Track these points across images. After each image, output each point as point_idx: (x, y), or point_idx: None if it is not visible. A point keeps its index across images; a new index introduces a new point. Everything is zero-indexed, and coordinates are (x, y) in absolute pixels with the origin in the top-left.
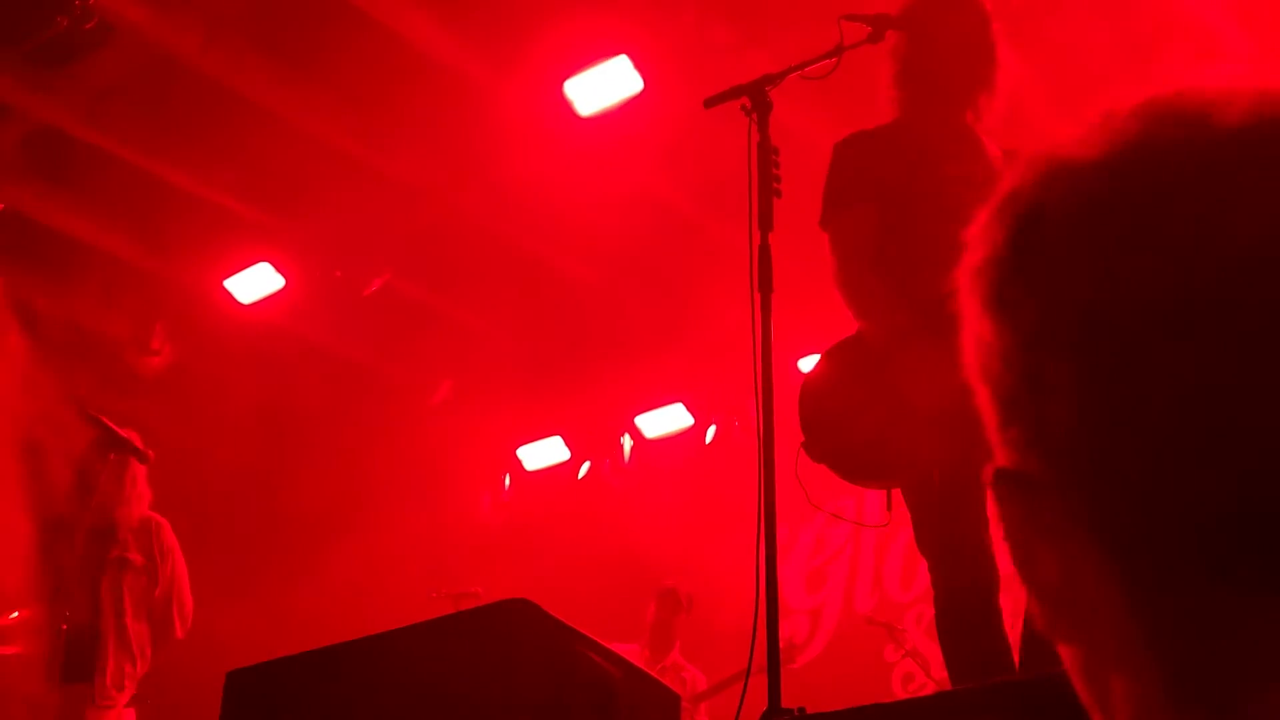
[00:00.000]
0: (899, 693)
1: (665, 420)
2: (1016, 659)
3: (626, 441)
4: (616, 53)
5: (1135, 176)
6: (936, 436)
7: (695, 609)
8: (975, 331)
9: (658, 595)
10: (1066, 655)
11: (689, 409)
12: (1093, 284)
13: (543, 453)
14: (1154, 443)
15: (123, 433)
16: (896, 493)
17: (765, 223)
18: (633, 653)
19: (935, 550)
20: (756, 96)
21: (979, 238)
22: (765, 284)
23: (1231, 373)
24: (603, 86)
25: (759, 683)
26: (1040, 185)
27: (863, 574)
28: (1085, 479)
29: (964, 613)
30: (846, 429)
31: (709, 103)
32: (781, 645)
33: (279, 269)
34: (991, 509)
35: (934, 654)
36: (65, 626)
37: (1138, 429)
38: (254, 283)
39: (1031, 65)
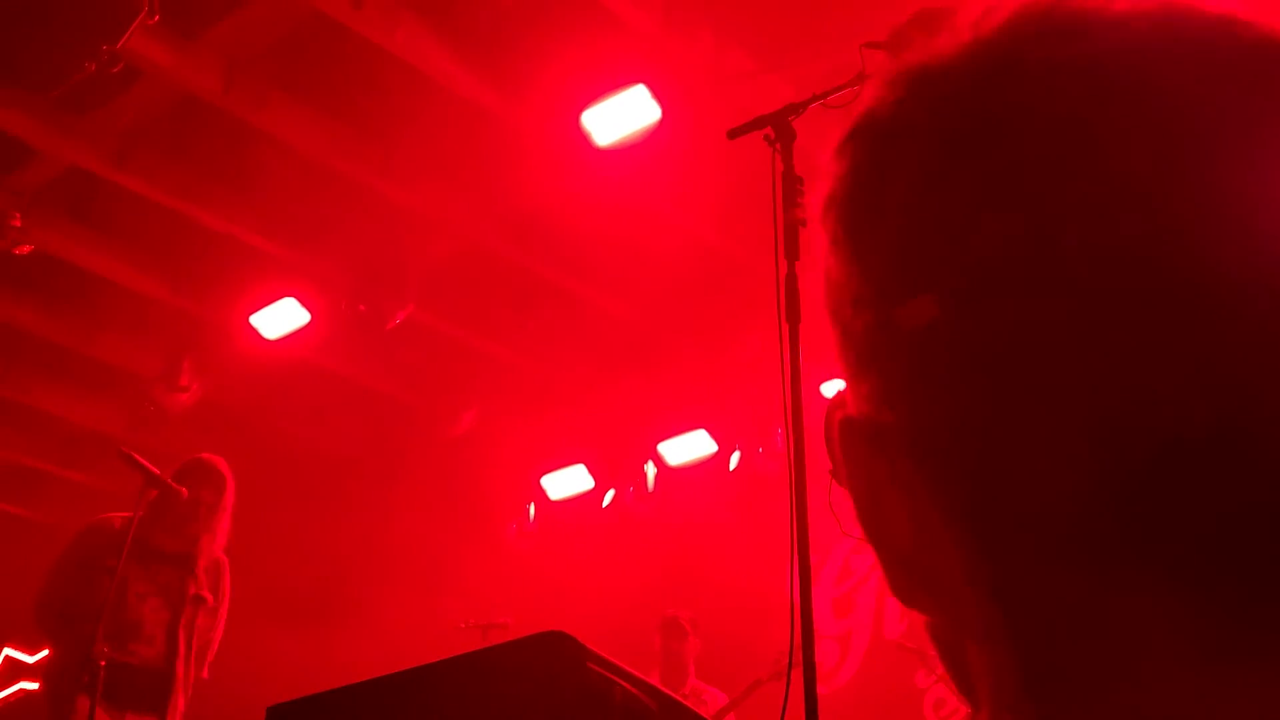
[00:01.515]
0: (931, 718)
1: (688, 447)
2: None
3: (650, 469)
4: (634, 82)
5: (1003, 102)
6: None
7: (713, 633)
8: (826, 269)
9: (661, 626)
10: (921, 619)
11: (712, 436)
12: (953, 220)
13: (566, 481)
14: (1016, 404)
15: (155, 470)
16: None
17: (791, 252)
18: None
19: None
20: (780, 126)
21: (832, 163)
22: (793, 314)
23: (1108, 327)
24: (620, 116)
25: (797, 703)
26: (899, 105)
27: (891, 599)
28: (941, 438)
29: None
30: None
31: (733, 133)
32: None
33: (304, 304)
34: (842, 465)
35: None
36: (104, 662)
37: (997, 390)
38: (280, 318)
39: None
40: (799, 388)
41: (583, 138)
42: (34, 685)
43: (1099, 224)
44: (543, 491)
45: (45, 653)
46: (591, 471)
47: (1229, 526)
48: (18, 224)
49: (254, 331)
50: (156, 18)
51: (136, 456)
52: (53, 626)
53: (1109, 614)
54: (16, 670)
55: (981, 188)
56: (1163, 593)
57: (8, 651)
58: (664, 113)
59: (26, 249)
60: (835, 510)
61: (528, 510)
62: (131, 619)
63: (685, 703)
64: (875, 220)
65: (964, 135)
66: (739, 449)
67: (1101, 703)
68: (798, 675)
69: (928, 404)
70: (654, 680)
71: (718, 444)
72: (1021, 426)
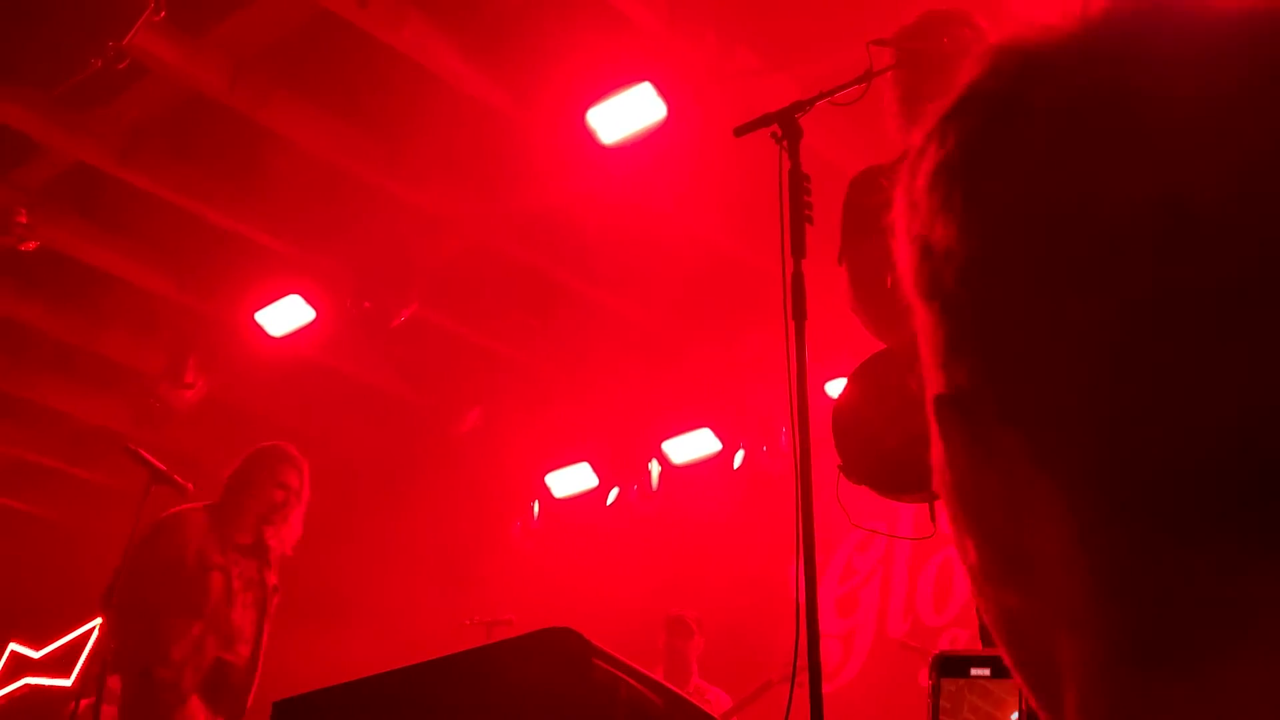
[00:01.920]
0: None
1: (692, 446)
2: None
3: (654, 467)
4: (639, 80)
5: (1124, 68)
6: None
7: (716, 631)
8: (924, 241)
9: (666, 624)
10: (1000, 610)
11: (716, 434)
12: (1076, 186)
13: (571, 479)
14: (1138, 373)
15: (161, 466)
16: (939, 504)
17: (798, 250)
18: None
19: None
20: (786, 124)
21: (935, 135)
22: (799, 312)
23: (1239, 294)
24: (626, 114)
25: (800, 704)
26: (1012, 76)
27: (895, 598)
28: (1047, 409)
29: None
30: (879, 444)
31: (739, 131)
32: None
33: (309, 301)
34: (935, 443)
35: None
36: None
37: (1118, 357)
38: (284, 315)
39: None
40: (805, 386)
41: (588, 136)
42: (39, 680)
43: (1238, 193)
44: (547, 489)
45: (51, 648)
46: (596, 469)
47: None
48: (23, 220)
49: (259, 329)
50: (162, 14)
51: (143, 453)
52: (135, 625)
53: (1226, 599)
54: (21, 666)
55: (1113, 155)
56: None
57: (13, 647)
58: (669, 111)
59: (32, 245)
60: (844, 505)
61: (532, 508)
62: (236, 618)
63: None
64: (998, 187)
65: (1090, 105)
66: (743, 447)
67: (1208, 690)
68: (802, 676)
69: (1045, 382)
70: (658, 678)
71: (722, 442)
72: (1153, 405)
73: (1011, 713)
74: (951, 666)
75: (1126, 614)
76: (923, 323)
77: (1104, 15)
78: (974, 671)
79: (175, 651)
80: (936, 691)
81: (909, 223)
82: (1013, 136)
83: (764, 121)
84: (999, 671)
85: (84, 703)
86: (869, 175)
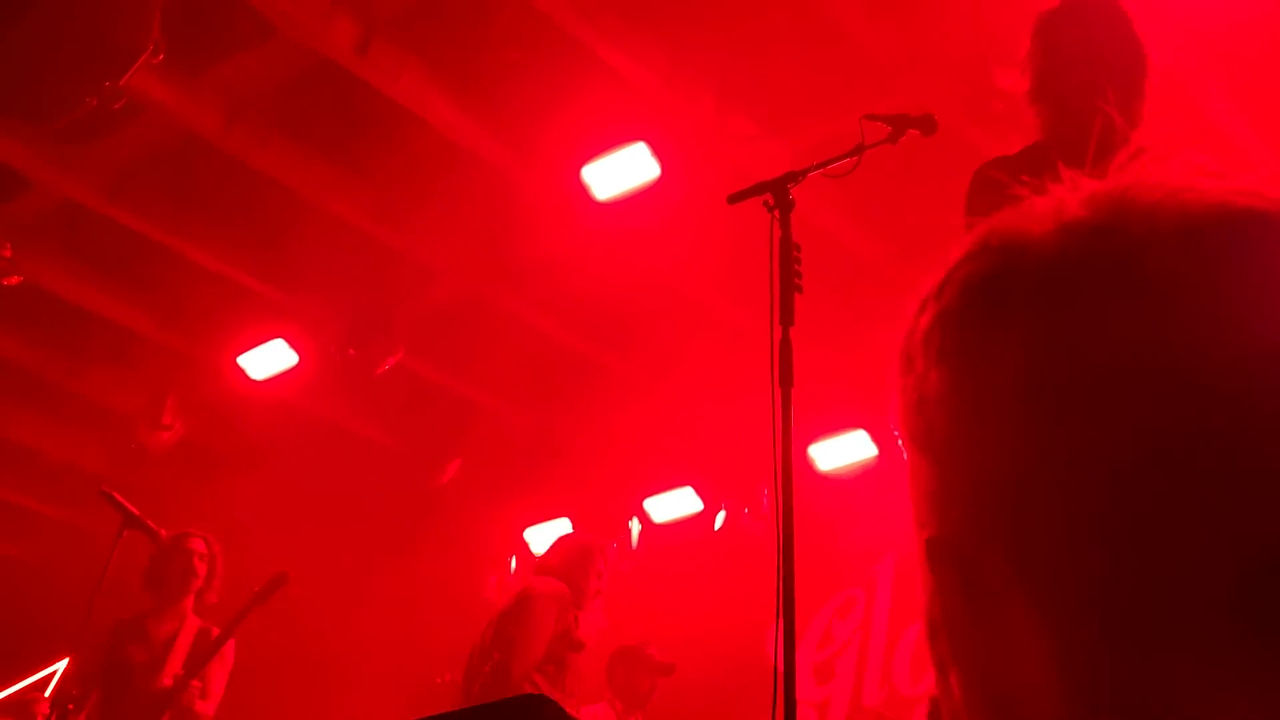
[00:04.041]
0: None
1: (674, 505)
2: None
3: (635, 525)
4: (634, 139)
5: (1092, 254)
6: None
7: (691, 692)
8: (918, 392)
9: (645, 661)
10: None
11: (698, 493)
12: (1066, 338)
13: (550, 535)
14: (1125, 512)
15: (135, 510)
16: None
17: (786, 318)
18: (601, 712)
19: None
20: (779, 193)
21: (931, 295)
22: (786, 379)
23: (1225, 437)
24: (620, 172)
25: None
26: (996, 251)
27: (871, 667)
28: (1029, 546)
29: None
30: None
31: (733, 199)
32: None
33: (293, 346)
34: (926, 587)
35: None
36: None
37: (1103, 497)
38: (267, 359)
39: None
40: (789, 452)
41: (582, 191)
42: None
43: (1220, 343)
44: (525, 545)
45: (12, 690)
46: (575, 526)
47: None
48: (7, 254)
49: (241, 372)
50: (161, 56)
51: (117, 496)
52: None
53: (1204, 703)
54: None
55: (1101, 314)
56: None
57: None
58: (663, 170)
59: (15, 280)
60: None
61: (509, 563)
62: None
63: None
64: (989, 337)
65: (1078, 272)
66: (725, 508)
67: None
68: None
69: (1035, 523)
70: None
71: (704, 502)
72: (1155, 536)
73: None
74: None
75: None
76: (915, 469)
77: (1081, 203)
78: None
79: None
80: None
81: (904, 379)
82: (1005, 294)
83: (757, 190)
84: None
85: None
86: (993, 168)
